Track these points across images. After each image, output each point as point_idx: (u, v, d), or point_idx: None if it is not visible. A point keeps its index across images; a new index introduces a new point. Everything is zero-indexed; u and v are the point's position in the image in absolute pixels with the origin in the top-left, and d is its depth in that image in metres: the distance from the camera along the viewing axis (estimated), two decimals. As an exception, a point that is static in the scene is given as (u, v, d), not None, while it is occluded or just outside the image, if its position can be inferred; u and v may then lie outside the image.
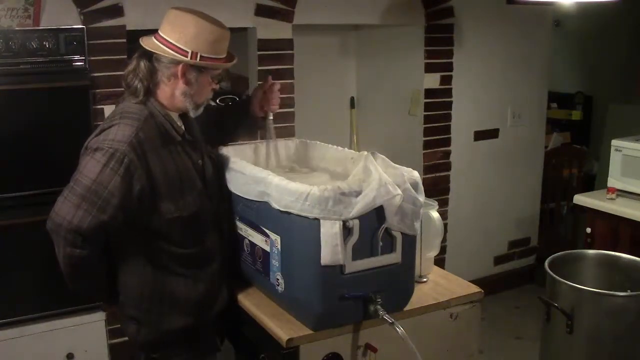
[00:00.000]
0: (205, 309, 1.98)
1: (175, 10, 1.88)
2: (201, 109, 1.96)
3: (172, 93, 1.89)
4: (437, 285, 2.08)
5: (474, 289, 2.05)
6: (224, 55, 1.92)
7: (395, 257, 1.79)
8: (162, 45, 1.85)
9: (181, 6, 1.89)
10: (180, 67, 1.85)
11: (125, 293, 1.94)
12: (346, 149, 2.16)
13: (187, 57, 1.83)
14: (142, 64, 1.87)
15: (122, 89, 1.94)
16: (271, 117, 2.25)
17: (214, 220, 1.99)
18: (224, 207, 2.04)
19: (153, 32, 1.84)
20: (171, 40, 1.84)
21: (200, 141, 2.03)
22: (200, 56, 1.84)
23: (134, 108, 1.86)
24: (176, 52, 1.84)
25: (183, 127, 1.96)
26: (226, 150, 2.16)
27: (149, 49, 1.86)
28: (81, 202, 1.72)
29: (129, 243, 1.89)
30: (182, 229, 1.88)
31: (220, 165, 2.07)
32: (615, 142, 3.37)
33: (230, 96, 3.23)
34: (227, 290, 2.05)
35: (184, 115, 1.98)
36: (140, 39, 1.90)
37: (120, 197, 1.75)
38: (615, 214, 3.19)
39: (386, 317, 1.73)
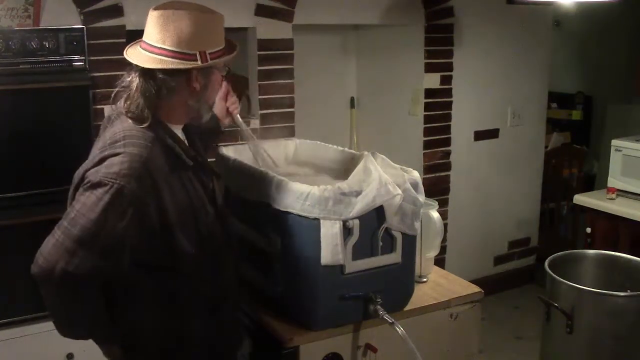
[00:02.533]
0: (229, 349, 1.82)
1: (157, 11, 1.61)
2: (208, 114, 1.77)
3: (183, 104, 1.65)
4: (437, 285, 2.08)
5: (474, 289, 2.05)
6: (224, 44, 1.69)
7: (395, 257, 1.79)
8: (163, 57, 1.57)
9: (159, 5, 1.64)
10: (191, 74, 1.61)
11: (138, 336, 1.68)
12: (346, 149, 2.16)
13: (196, 60, 1.59)
14: (143, 85, 1.59)
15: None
16: (240, 120, 2.14)
17: (228, 248, 1.80)
18: (233, 229, 1.88)
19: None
20: (170, 48, 1.58)
21: (206, 160, 1.82)
22: (209, 54, 1.61)
23: (137, 131, 1.58)
24: (182, 59, 1.57)
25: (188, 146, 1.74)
26: (226, 150, 2.16)
27: (150, 67, 1.58)
28: (77, 247, 1.44)
29: (138, 283, 1.63)
30: (198, 265, 1.66)
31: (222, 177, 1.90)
32: (615, 142, 3.37)
33: (230, 96, 3.23)
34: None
35: (184, 130, 1.76)
36: (127, 55, 1.63)
37: (128, 241, 1.51)
38: (615, 214, 3.19)
39: (386, 317, 1.73)
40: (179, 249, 1.60)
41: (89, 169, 1.54)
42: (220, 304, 1.76)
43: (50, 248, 1.46)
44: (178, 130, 1.70)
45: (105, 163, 1.51)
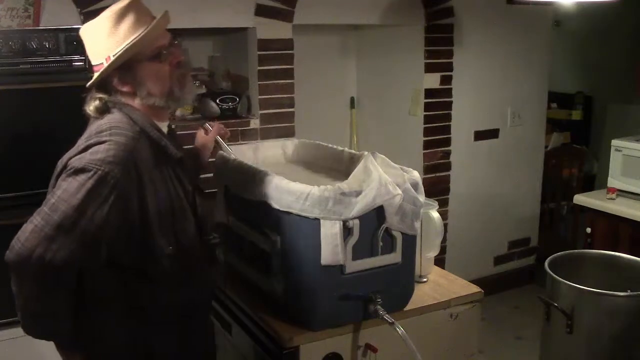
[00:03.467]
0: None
1: (82, 31, 1.65)
2: (186, 97, 1.70)
3: (140, 105, 1.65)
4: (437, 285, 2.08)
5: (474, 289, 2.05)
6: (133, 36, 1.59)
7: (395, 257, 1.79)
8: (94, 74, 1.62)
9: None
10: (112, 81, 1.62)
11: (102, 344, 1.64)
12: (346, 149, 2.16)
13: (102, 66, 1.59)
14: (99, 100, 1.64)
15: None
16: (220, 140, 2.14)
17: (206, 262, 1.81)
18: (213, 240, 1.90)
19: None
20: (94, 63, 1.63)
21: (187, 163, 1.80)
22: (113, 56, 1.58)
23: (123, 122, 1.59)
24: (97, 71, 1.61)
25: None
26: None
27: (89, 85, 1.65)
28: (57, 233, 1.41)
29: (107, 285, 1.61)
30: (173, 267, 1.63)
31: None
32: (615, 142, 3.37)
33: (231, 96, 3.23)
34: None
35: (170, 133, 1.76)
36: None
37: (107, 232, 1.48)
38: (615, 214, 3.19)
39: (386, 317, 1.73)
40: (154, 248, 1.59)
41: (73, 156, 1.52)
42: (190, 316, 1.73)
43: (29, 234, 1.43)
44: (164, 127, 1.71)
45: (90, 150, 1.51)
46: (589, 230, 3.33)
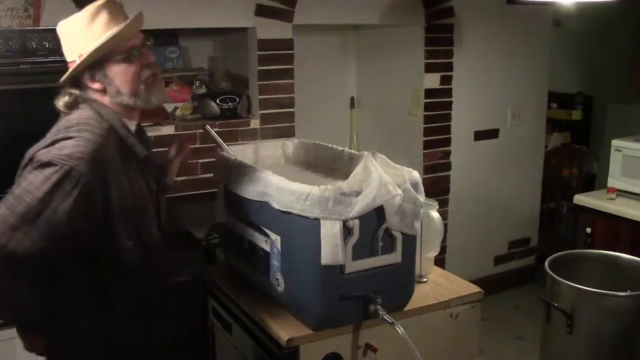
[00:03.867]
0: (153, 352, 1.82)
1: (58, 28, 1.71)
2: (154, 97, 1.72)
3: (109, 102, 1.69)
4: (437, 285, 2.08)
5: (474, 289, 2.05)
6: (105, 35, 1.63)
7: (395, 257, 1.79)
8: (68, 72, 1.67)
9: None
10: (83, 77, 1.67)
11: (63, 331, 1.68)
12: (346, 149, 2.16)
13: (75, 64, 1.65)
14: (69, 95, 1.69)
15: None
16: (220, 140, 2.17)
17: (162, 253, 1.84)
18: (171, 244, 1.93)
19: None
20: (68, 60, 1.68)
21: (155, 164, 1.87)
22: (85, 53, 1.63)
23: (92, 119, 1.63)
24: (69, 68, 1.67)
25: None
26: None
27: (62, 81, 1.69)
28: (21, 224, 1.45)
29: (72, 275, 1.64)
30: (135, 262, 1.69)
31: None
32: (615, 142, 3.37)
33: (231, 96, 3.23)
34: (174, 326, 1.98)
35: (138, 132, 1.81)
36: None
37: (71, 224, 1.50)
38: (615, 214, 3.19)
39: (386, 317, 1.73)
40: (116, 242, 1.64)
41: (40, 150, 1.57)
42: (153, 311, 1.80)
43: None
44: (132, 125, 1.75)
45: (57, 145, 1.55)
46: (589, 230, 3.33)
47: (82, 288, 1.67)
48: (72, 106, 1.68)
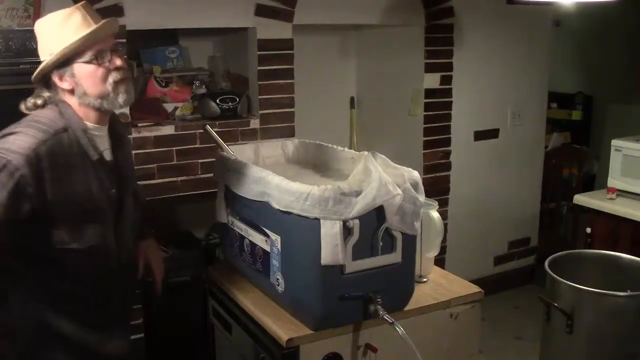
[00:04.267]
0: (95, 355, 1.81)
1: (35, 27, 1.75)
2: (120, 101, 1.73)
3: (74, 103, 1.72)
4: (437, 285, 2.08)
5: (474, 289, 2.05)
6: (78, 36, 1.66)
7: (395, 257, 1.79)
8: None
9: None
10: (52, 77, 1.70)
11: (8, 325, 1.72)
12: (346, 149, 2.16)
13: (44, 62, 1.69)
14: (39, 97, 1.73)
15: None
16: (219, 139, 2.20)
17: (118, 259, 1.82)
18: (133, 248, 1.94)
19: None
20: (41, 59, 1.71)
21: (123, 169, 1.86)
22: (55, 53, 1.66)
23: (47, 118, 1.68)
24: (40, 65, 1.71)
25: (107, 148, 1.79)
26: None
27: (33, 79, 1.74)
28: None
29: (15, 266, 1.68)
30: (77, 263, 1.71)
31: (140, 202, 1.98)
32: (615, 142, 3.37)
33: (231, 96, 3.23)
34: (127, 338, 1.96)
35: (117, 140, 1.85)
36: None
37: (4, 215, 1.53)
38: (615, 214, 3.19)
39: (386, 317, 1.73)
40: (57, 241, 1.66)
41: None
42: (98, 312, 1.80)
43: None
44: (99, 130, 1.76)
45: (2, 139, 1.62)
46: (589, 230, 3.33)
47: (23, 281, 1.70)
48: (36, 108, 1.72)
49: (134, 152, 2.59)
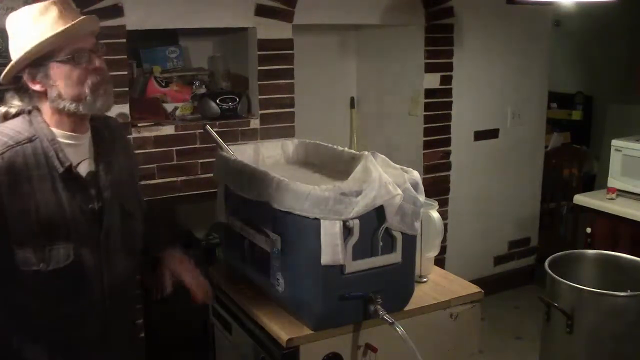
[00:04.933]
0: None
1: (6, 23, 1.59)
2: (98, 105, 1.59)
3: (49, 108, 1.58)
4: (437, 285, 2.08)
5: (474, 289, 2.05)
6: (51, 33, 1.52)
7: (395, 257, 1.79)
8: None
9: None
10: (23, 78, 1.56)
11: None
12: (346, 149, 2.16)
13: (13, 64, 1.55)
14: (12, 107, 1.60)
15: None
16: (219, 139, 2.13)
17: (99, 279, 1.64)
18: (127, 263, 1.73)
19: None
20: (13, 58, 1.56)
21: (111, 178, 1.67)
22: (26, 52, 1.52)
23: (13, 129, 1.55)
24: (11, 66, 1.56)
25: (86, 157, 1.64)
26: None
27: (3, 81, 1.58)
28: None
29: None
30: (45, 283, 1.55)
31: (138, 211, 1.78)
32: (615, 142, 3.37)
33: (231, 96, 3.23)
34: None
35: (106, 147, 1.69)
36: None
37: None
38: (615, 214, 3.19)
39: (386, 317, 1.73)
40: (19, 260, 1.51)
41: None
42: (66, 332, 1.63)
43: None
44: (76, 139, 1.62)
45: None
46: (589, 230, 3.33)
47: None
48: (7, 117, 1.59)
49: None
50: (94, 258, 1.62)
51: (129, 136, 2.80)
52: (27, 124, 1.57)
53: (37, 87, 1.56)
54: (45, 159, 1.55)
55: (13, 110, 1.59)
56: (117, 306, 1.71)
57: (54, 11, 1.54)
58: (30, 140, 1.54)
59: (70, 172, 1.57)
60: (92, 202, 1.62)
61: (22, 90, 1.59)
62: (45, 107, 1.59)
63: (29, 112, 1.59)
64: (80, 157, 1.62)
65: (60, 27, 1.52)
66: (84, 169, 1.63)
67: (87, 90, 1.56)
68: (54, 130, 1.58)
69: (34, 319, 1.59)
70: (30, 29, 1.53)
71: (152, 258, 1.86)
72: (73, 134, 1.61)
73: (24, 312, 1.59)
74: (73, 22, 1.53)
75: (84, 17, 1.56)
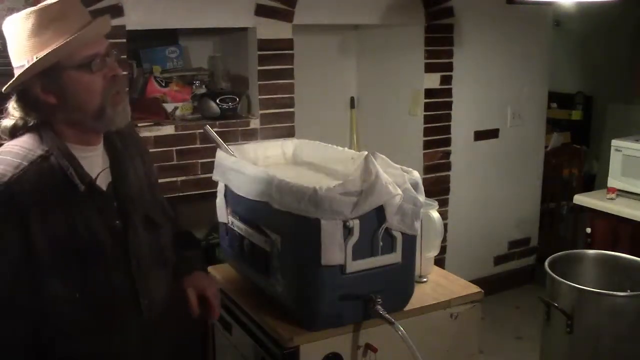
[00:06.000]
0: None
1: (4, 25, 1.42)
2: (119, 119, 1.45)
3: (61, 120, 1.42)
4: (437, 285, 2.08)
5: (474, 289, 2.05)
6: (71, 33, 1.36)
7: (395, 257, 1.79)
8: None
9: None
10: (33, 88, 1.39)
11: None
12: (346, 149, 2.16)
13: (22, 69, 1.37)
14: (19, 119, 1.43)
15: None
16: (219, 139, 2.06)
17: (135, 304, 1.51)
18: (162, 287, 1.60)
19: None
20: (15, 65, 1.40)
21: (125, 194, 1.52)
22: (36, 58, 1.36)
23: (22, 147, 1.39)
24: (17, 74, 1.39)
25: (102, 168, 1.49)
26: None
27: (5, 90, 1.41)
28: None
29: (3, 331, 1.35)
30: (81, 317, 1.40)
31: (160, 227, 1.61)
32: (615, 142, 3.37)
33: (231, 96, 3.23)
34: None
35: (119, 154, 1.54)
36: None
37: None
38: (615, 214, 3.19)
39: (386, 317, 1.73)
40: (49, 295, 1.36)
41: None
42: None
43: None
44: (91, 151, 1.47)
45: None
46: (589, 230, 3.33)
47: (14, 345, 1.36)
48: (12, 134, 1.43)
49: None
50: (125, 281, 1.48)
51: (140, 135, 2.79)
52: (37, 139, 1.41)
53: (50, 100, 1.39)
54: (64, 177, 1.39)
55: (20, 123, 1.42)
56: (159, 335, 1.60)
57: (62, 12, 1.37)
58: (43, 157, 1.39)
59: (92, 188, 1.43)
60: (118, 219, 1.48)
61: (28, 102, 1.42)
62: (57, 120, 1.42)
63: (38, 126, 1.42)
64: (97, 168, 1.48)
65: (72, 31, 1.36)
66: (103, 182, 1.49)
67: (106, 103, 1.41)
68: (68, 144, 1.43)
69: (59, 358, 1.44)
70: (38, 33, 1.36)
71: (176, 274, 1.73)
72: (87, 146, 1.46)
73: (49, 349, 1.42)
74: (88, 27, 1.38)
75: (99, 18, 1.42)
